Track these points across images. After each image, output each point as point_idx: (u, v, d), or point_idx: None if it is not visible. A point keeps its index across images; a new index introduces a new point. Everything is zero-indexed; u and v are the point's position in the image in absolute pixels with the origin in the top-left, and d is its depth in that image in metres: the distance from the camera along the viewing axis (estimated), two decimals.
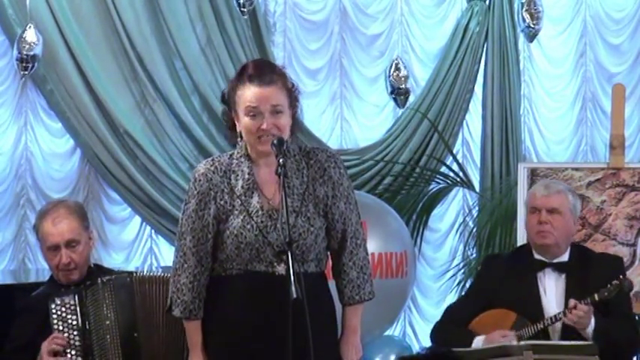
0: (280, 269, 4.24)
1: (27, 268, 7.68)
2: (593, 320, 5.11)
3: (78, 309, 4.76)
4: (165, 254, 8.04)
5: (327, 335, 4.35)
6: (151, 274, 4.98)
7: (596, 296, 5.09)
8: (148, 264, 7.97)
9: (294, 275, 4.01)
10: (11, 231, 7.73)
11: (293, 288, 3.99)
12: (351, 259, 4.36)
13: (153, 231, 8.08)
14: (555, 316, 5.17)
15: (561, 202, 5.30)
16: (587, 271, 5.30)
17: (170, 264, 7.95)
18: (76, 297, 4.78)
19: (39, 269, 7.56)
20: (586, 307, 5.07)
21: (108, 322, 4.75)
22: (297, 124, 4.37)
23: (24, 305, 5.15)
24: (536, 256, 5.36)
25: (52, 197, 7.74)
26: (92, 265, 5.14)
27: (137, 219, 8.00)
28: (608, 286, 5.11)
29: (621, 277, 5.18)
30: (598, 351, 4.81)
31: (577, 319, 5.06)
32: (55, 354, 4.74)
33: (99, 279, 4.87)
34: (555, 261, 5.33)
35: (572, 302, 5.09)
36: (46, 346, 4.75)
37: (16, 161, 7.76)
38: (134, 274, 4.89)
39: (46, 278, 5.63)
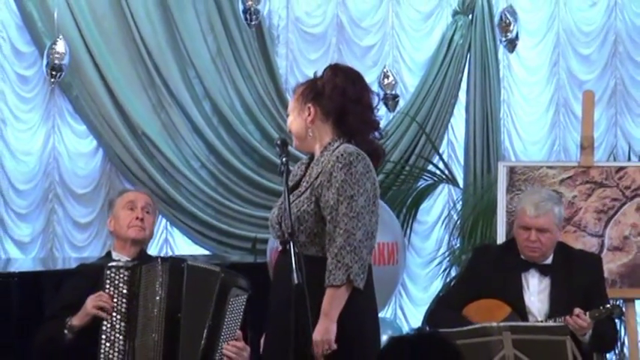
0: (277, 244, 4.38)
1: (54, 257, 7.70)
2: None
3: (130, 279, 4.71)
4: (180, 244, 8.07)
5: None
6: (202, 265, 4.96)
7: (587, 314, 5.04)
8: (163, 253, 7.97)
9: (296, 263, 4.03)
10: (40, 223, 7.74)
11: (295, 275, 4.01)
12: (330, 245, 4.25)
13: (168, 223, 8.08)
14: (554, 320, 5.13)
15: (550, 222, 5.21)
16: (570, 271, 5.24)
17: (183, 253, 8.03)
18: (130, 270, 4.74)
19: (65, 258, 7.60)
20: (589, 319, 5.02)
21: (157, 298, 4.70)
22: (327, 114, 4.40)
23: (77, 269, 5.11)
24: (523, 257, 5.32)
25: (77, 193, 7.81)
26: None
27: None
28: (601, 307, 5.04)
29: (614, 303, 5.18)
30: (569, 332, 4.83)
31: (577, 327, 5.00)
32: (100, 309, 4.71)
33: (158, 258, 4.89)
34: (540, 263, 5.29)
35: (576, 311, 5.01)
36: (92, 299, 4.72)
37: (45, 160, 7.77)
38: (187, 262, 4.87)
39: (72, 266, 5.64)
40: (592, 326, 5.03)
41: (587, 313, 5.03)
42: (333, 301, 4.23)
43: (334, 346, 4.22)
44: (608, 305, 5.12)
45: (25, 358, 5.72)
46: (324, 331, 4.21)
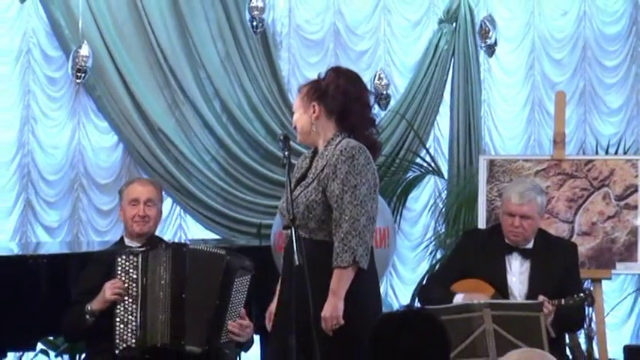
0: (286, 231, 4.37)
1: (79, 241, 7.71)
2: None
3: (140, 265, 4.73)
4: (192, 230, 8.07)
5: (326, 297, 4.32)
6: (206, 248, 4.96)
7: (562, 301, 5.02)
8: (177, 238, 7.99)
9: (297, 245, 4.06)
10: (67, 210, 7.75)
11: (296, 256, 4.04)
12: (337, 230, 4.30)
13: (182, 211, 8.09)
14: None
15: (532, 209, 5.24)
16: (549, 256, 5.29)
17: (195, 238, 8.02)
18: (140, 256, 4.75)
19: (89, 242, 7.62)
20: (551, 307, 4.97)
21: (163, 281, 4.72)
22: (331, 111, 4.43)
23: (93, 257, 5.18)
24: (507, 241, 5.32)
25: (100, 183, 7.82)
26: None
27: (169, 200, 7.99)
28: (575, 296, 5.05)
29: (587, 292, 5.14)
30: (541, 308, 4.84)
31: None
32: (117, 295, 4.75)
33: (163, 244, 4.90)
34: (522, 247, 5.30)
35: (540, 298, 4.98)
36: (109, 287, 4.77)
37: (71, 154, 7.77)
38: (189, 246, 4.88)
39: (96, 249, 5.63)
40: (553, 313, 5.01)
41: (563, 300, 5.03)
42: (341, 281, 4.29)
43: (342, 322, 4.27)
44: (582, 294, 5.11)
45: (53, 332, 5.76)
46: (333, 308, 4.28)
